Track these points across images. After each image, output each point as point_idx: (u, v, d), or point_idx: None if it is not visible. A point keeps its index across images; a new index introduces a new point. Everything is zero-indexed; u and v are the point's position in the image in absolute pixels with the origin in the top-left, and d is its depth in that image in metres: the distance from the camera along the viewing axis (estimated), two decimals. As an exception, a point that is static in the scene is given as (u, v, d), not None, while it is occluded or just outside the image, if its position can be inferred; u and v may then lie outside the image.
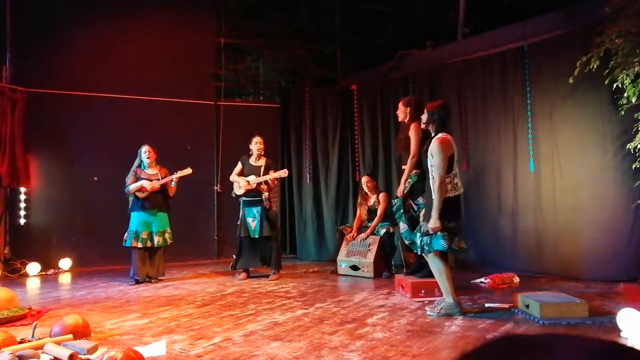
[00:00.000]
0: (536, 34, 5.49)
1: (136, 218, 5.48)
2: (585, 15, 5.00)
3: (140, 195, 5.46)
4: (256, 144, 5.71)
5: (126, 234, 5.48)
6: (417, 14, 7.51)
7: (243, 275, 5.70)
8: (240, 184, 5.65)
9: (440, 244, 3.62)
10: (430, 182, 3.67)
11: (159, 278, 5.58)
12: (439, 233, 3.61)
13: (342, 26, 8.33)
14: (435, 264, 3.74)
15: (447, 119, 3.84)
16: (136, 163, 5.61)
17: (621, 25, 4.25)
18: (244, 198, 5.71)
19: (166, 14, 7.36)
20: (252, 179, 5.59)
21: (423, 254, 3.87)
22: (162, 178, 5.53)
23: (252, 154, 5.75)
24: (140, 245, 5.41)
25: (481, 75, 6.00)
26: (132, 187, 5.45)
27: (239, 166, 5.76)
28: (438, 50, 6.80)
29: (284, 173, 5.67)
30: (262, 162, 5.73)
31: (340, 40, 8.29)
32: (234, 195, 5.85)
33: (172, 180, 5.52)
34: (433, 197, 3.61)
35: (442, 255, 3.73)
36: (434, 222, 3.58)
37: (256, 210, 5.61)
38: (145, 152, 5.58)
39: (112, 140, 6.64)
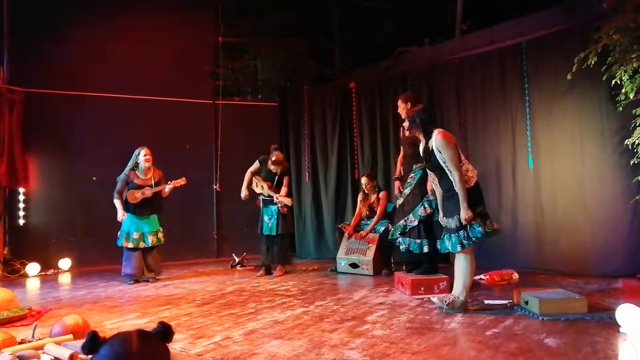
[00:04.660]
0: (534, 31, 5.49)
1: (127, 219, 5.42)
2: (583, 11, 5.00)
3: (132, 200, 5.41)
4: (275, 158, 5.70)
5: (119, 233, 5.49)
6: (415, 10, 7.49)
7: (262, 271, 5.80)
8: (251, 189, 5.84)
9: (479, 231, 3.56)
10: (450, 176, 3.64)
11: (157, 278, 5.58)
12: (473, 222, 3.57)
13: (341, 23, 8.31)
14: (467, 261, 3.66)
15: (432, 120, 3.81)
16: (130, 165, 5.45)
17: (619, 21, 4.26)
18: (263, 197, 5.82)
19: (164, 13, 7.33)
20: (169, 185, 5.48)
21: (455, 251, 3.70)
22: (155, 183, 5.47)
23: (271, 160, 5.74)
24: (131, 245, 5.39)
25: (479, 71, 6.00)
26: (117, 204, 5.35)
27: (256, 164, 5.87)
28: (436, 47, 6.79)
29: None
30: (278, 169, 5.77)
31: (339, 37, 8.27)
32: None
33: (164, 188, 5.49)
34: (456, 189, 3.59)
35: (473, 251, 3.68)
36: (465, 213, 3.54)
37: (273, 209, 5.73)
38: (144, 155, 5.41)
39: (110, 139, 6.63)
